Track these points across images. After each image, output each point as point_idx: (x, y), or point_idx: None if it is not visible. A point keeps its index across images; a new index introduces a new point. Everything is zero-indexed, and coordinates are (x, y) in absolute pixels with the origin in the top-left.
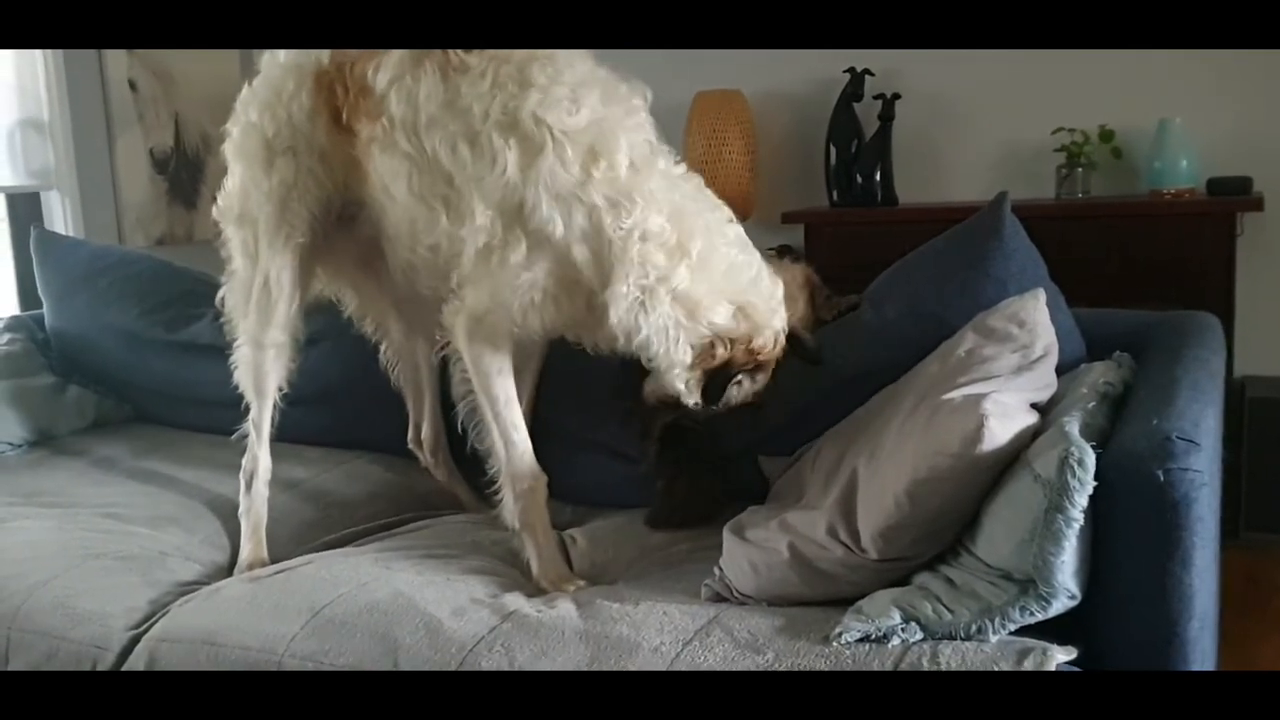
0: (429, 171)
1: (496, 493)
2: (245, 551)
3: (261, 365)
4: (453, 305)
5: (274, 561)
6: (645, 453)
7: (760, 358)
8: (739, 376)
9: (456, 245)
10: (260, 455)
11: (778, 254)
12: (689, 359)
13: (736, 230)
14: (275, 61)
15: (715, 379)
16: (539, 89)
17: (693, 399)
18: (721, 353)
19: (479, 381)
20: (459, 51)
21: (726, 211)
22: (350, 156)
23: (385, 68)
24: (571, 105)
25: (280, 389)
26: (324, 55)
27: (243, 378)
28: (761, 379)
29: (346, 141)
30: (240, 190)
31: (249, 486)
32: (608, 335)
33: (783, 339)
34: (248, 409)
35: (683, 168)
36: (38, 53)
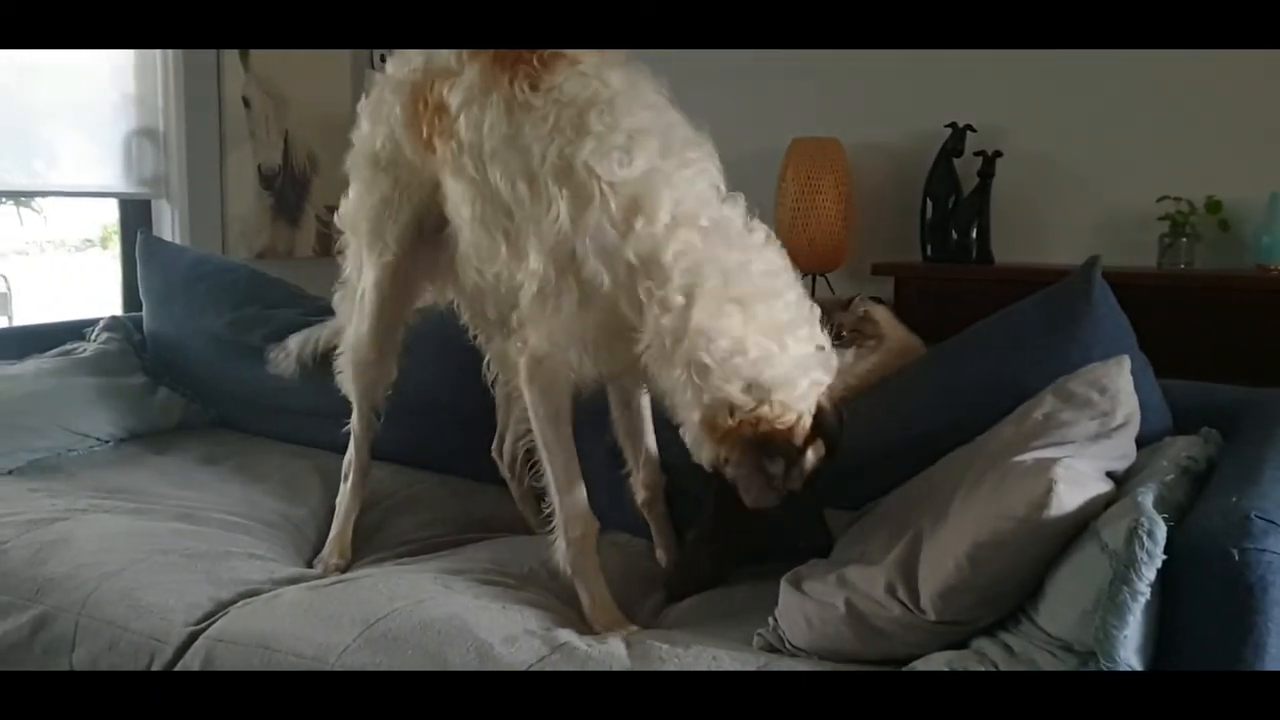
0: (491, 201)
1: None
2: (329, 539)
3: (349, 373)
4: (516, 345)
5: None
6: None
7: (774, 431)
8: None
9: (515, 280)
10: (354, 455)
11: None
12: (698, 417)
13: (790, 295)
14: (384, 73)
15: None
16: (595, 136)
17: (705, 457)
18: (728, 422)
19: (536, 425)
20: (525, 88)
21: (785, 270)
22: (433, 172)
23: (457, 90)
24: (624, 155)
25: (376, 404)
26: (419, 68)
27: (343, 383)
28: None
29: (430, 157)
30: (354, 200)
31: (346, 478)
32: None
33: (806, 421)
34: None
35: (748, 223)
36: (159, 65)
